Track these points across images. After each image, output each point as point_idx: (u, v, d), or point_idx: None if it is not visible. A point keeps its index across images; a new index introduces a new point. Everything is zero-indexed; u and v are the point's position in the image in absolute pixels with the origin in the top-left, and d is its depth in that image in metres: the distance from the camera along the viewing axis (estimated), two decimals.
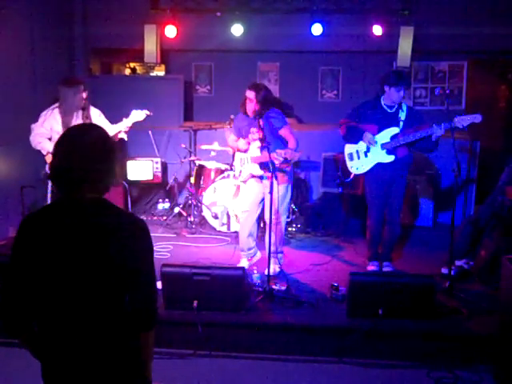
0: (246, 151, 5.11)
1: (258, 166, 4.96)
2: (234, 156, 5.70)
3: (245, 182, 5.19)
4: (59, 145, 1.94)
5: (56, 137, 5.01)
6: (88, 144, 1.91)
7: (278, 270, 5.00)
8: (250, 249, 5.14)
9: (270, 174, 4.56)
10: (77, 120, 5.03)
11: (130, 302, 1.95)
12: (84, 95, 4.99)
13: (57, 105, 5.01)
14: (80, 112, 5.05)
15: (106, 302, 1.90)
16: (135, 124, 5.16)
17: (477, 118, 4.65)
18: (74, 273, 1.86)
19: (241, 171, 5.16)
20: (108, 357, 1.91)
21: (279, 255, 5.04)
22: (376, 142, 4.95)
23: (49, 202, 5.30)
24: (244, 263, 5.11)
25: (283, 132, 4.92)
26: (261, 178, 4.98)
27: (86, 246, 1.86)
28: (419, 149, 5.01)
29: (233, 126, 5.45)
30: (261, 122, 4.76)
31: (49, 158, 5.10)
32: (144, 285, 1.97)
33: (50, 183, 5.27)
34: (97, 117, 5.16)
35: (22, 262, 1.89)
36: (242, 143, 5.12)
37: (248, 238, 5.10)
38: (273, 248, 4.80)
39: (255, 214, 5.09)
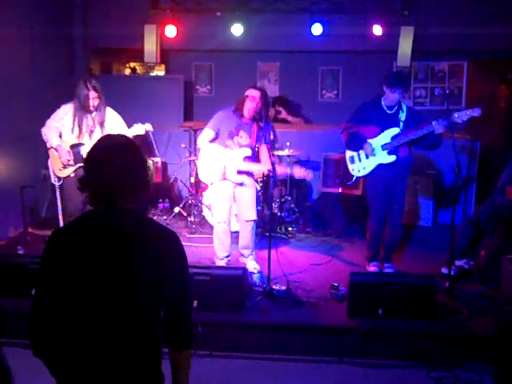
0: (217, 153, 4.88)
1: (236, 174, 4.85)
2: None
3: (211, 184, 4.99)
4: (92, 156, 1.89)
5: (65, 133, 5.02)
6: (123, 155, 1.87)
7: (258, 267, 5.04)
8: (229, 255, 5.11)
9: (249, 182, 4.90)
10: (87, 122, 5.02)
11: (165, 318, 1.92)
12: (92, 102, 4.94)
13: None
14: (93, 115, 5.03)
15: (140, 316, 1.85)
16: None
17: (476, 112, 4.58)
18: (110, 285, 1.81)
19: (212, 173, 4.90)
20: (136, 374, 1.87)
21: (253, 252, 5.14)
22: (374, 154, 4.96)
23: (59, 206, 5.33)
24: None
25: (265, 148, 4.92)
26: (240, 184, 4.92)
27: (122, 257, 1.82)
28: (424, 146, 4.96)
29: (214, 120, 4.91)
30: (256, 127, 4.77)
31: (52, 153, 5.09)
32: (180, 300, 1.94)
33: (57, 190, 5.28)
34: (111, 121, 5.13)
35: (56, 277, 1.82)
36: (217, 146, 4.88)
37: (229, 245, 5.08)
38: (253, 247, 5.07)
39: (229, 220, 5.08)
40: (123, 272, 1.82)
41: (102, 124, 5.06)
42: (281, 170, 4.79)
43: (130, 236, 1.85)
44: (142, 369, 1.87)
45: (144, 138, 7.23)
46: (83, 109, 4.97)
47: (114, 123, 5.15)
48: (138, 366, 1.86)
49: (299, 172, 4.79)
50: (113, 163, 1.84)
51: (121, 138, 1.98)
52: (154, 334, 1.90)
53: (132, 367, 1.85)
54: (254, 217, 5.02)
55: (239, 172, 4.86)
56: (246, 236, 5.03)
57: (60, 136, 5.05)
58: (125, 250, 1.83)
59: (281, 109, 7.87)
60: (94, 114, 5.03)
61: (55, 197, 5.39)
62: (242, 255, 5.12)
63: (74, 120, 5.00)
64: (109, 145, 1.91)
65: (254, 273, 4.95)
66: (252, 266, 4.99)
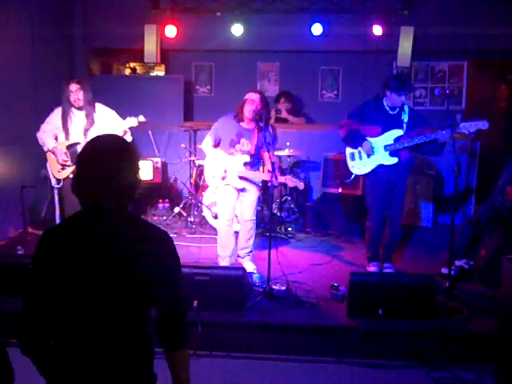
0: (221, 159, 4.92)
1: (238, 179, 4.88)
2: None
3: (216, 188, 5.05)
4: (82, 157, 1.90)
5: (62, 135, 5.05)
6: (111, 155, 1.87)
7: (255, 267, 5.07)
8: (232, 255, 5.12)
9: (252, 187, 4.91)
10: (74, 119, 5.04)
11: (158, 318, 1.91)
12: (79, 95, 4.96)
13: None
14: (79, 112, 5.04)
15: (128, 317, 1.85)
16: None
17: (484, 125, 4.62)
18: (99, 285, 1.81)
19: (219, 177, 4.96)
20: (126, 374, 1.87)
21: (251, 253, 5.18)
22: (374, 154, 4.95)
23: (57, 208, 5.34)
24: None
25: (266, 155, 4.90)
26: (242, 190, 4.94)
27: (112, 258, 1.83)
28: (425, 152, 4.99)
29: (214, 128, 4.97)
30: (257, 132, 4.77)
31: (49, 156, 5.10)
32: (173, 299, 1.93)
33: (55, 192, 5.30)
34: (104, 116, 5.14)
35: (46, 278, 1.82)
36: (220, 153, 4.92)
37: (233, 244, 5.12)
38: (250, 248, 5.09)
39: (233, 220, 5.16)
40: (110, 272, 1.82)
41: (89, 117, 5.03)
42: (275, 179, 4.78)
43: (116, 236, 1.85)
44: (131, 368, 1.87)
45: (144, 138, 7.26)
46: (70, 105, 4.99)
47: (107, 118, 5.15)
48: (127, 366, 1.86)
49: (291, 182, 4.85)
50: (98, 163, 1.85)
51: (109, 137, 1.97)
52: (144, 333, 1.90)
53: (121, 367, 1.86)
54: (253, 217, 5.07)
55: (241, 178, 4.88)
56: (245, 236, 5.07)
57: (56, 139, 5.08)
58: (111, 250, 1.83)
59: (281, 108, 7.86)
60: (82, 111, 5.03)
61: (54, 199, 5.39)
62: (239, 255, 5.13)
63: (62, 121, 5.03)
64: (95, 145, 1.92)
65: (254, 273, 4.96)
66: (248, 266, 5.01)
